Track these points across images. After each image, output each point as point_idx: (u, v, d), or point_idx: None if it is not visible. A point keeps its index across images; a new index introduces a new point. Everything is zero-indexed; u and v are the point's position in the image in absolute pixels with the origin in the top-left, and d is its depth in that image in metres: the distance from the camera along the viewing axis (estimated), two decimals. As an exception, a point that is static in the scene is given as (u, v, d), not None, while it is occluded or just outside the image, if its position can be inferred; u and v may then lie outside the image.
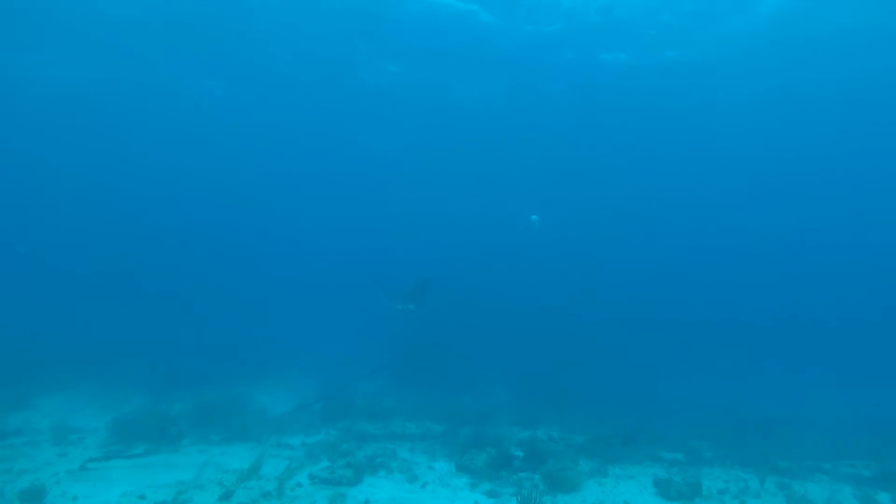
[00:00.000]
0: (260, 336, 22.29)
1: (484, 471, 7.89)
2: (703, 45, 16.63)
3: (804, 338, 30.82)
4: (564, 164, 24.99)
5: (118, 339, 18.50)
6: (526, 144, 23.54)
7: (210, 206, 34.32)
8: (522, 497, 6.69)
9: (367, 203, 33.16)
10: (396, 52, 18.29)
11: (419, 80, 19.82)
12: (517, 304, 23.62)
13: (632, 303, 31.58)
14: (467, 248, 31.96)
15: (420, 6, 15.72)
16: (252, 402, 10.88)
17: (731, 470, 9.15)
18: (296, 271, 40.83)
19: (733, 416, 12.86)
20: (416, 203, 32.32)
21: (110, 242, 35.45)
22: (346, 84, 20.16)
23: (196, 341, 18.87)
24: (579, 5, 15.33)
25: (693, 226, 30.59)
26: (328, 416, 10.92)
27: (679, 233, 31.34)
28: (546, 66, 18.26)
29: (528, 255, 25.81)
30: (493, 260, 27.52)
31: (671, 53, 17.16)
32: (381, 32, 17.08)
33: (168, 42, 17.55)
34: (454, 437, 9.37)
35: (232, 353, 17.19)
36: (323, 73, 19.50)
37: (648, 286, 33.12)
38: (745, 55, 16.76)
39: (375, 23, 16.53)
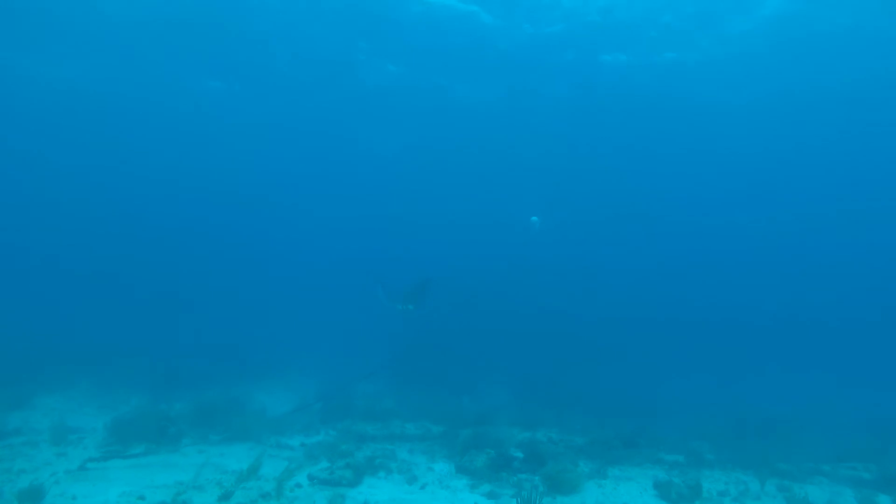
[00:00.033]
0: (259, 336, 22.27)
1: (484, 472, 7.87)
2: (703, 47, 16.63)
3: (804, 339, 30.81)
4: (565, 165, 24.99)
5: (118, 338, 18.48)
6: (526, 145, 23.54)
7: (210, 205, 34.32)
8: (522, 499, 6.67)
9: (367, 203, 33.15)
10: (397, 53, 18.29)
11: (419, 81, 19.81)
12: (517, 305, 23.60)
13: (632, 304, 31.56)
14: (467, 249, 31.96)
15: (420, 7, 15.72)
16: (251, 403, 10.88)
17: (731, 472, 9.15)
18: (295, 271, 40.81)
19: (733, 417, 12.86)
20: (416, 204, 32.30)
21: (110, 242, 35.44)
22: (346, 84, 20.15)
23: (195, 341, 18.86)
24: (580, 6, 15.33)
25: (693, 227, 30.59)
26: (327, 417, 10.92)
27: (679, 234, 31.34)
28: (546, 66, 18.25)
29: (528, 256, 25.79)
30: (494, 261, 27.51)
31: (671, 55, 17.16)
32: (382, 33, 17.07)
33: (168, 42, 17.54)
34: (454, 438, 9.35)
35: (231, 353, 17.17)
36: (323, 73, 19.49)
37: (649, 287, 33.11)
38: (745, 56, 16.75)
39: (376, 23, 16.52)
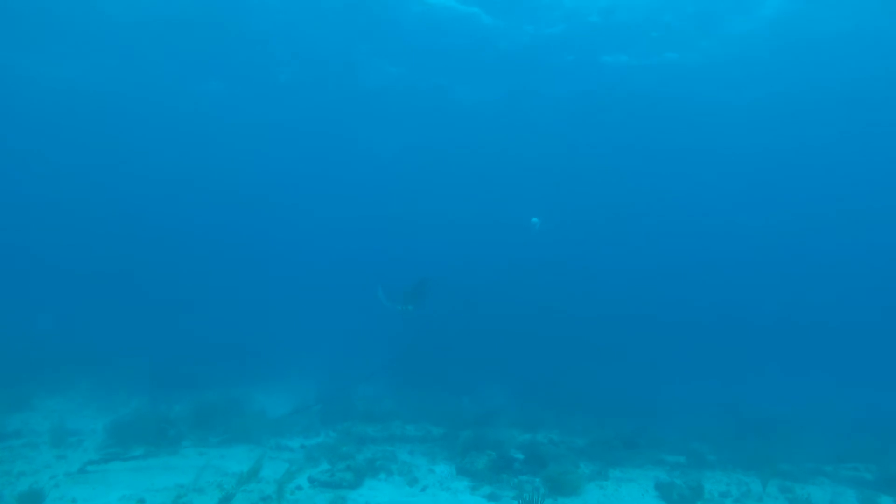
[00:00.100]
0: (259, 337, 22.22)
1: (484, 474, 7.86)
2: (704, 48, 16.62)
3: (805, 339, 30.79)
4: (565, 165, 24.97)
5: (117, 339, 18.45)
6: (526, 146, 23.52)
7: (209, 206, 34.28)
8: (523, 501, 6.65)
9: (367, 204, 33.13)
10: (397, 54, 18.27)
11: (419, 82, 19.80)
12: (518, 307, 23.59)
13: (632, 305, 31.55)
14: (468, 249, 31.95)
15: (420, 7, 15.70)
16: (251, 404, 10.87)
17: (732, 473, 9.13)
18: (295, 272, 40.77)
19: (734, 418, 12.85)
20: (416, 204, 32.29)
21: (110, 242, 35.40)
22: (346, 85, 20.13)
23: (195, 342, 18.82)
24: (580, 7, 15.32)
25: (694, 228, 30.59)
26: (327, 418, 10.89)
27: (680, 235, 31.33)
28: (547, 67, 18.24)
29: (528, 256, 25.78)
30: (494, 262, 27.51)
31: (672, 55, 17.15)
32: (382, 33, 17.06)
33: (168, 42, 17.52)
34: (454, 440, 9.33)
35: (231, 355, 17.14)
36: (323, 73, 19.47)
37: (649, 288, 33.10)
38: (745, 57, 16.74)
39: (376, 24, 16.50)
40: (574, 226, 27.20)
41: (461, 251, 32.17)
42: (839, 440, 10.86)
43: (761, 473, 8.67)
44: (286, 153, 27.33)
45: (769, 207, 27.21)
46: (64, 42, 17.59)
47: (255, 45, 17.84)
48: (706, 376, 19.50)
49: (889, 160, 21.76)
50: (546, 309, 25.05)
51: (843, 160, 22.39)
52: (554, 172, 25.51)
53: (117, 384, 12.45)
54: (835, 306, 32.57)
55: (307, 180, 31.15)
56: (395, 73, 19.37)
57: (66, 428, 8.79)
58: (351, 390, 12.93)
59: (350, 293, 27.05)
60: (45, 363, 13.56)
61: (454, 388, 13.87)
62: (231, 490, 6.53)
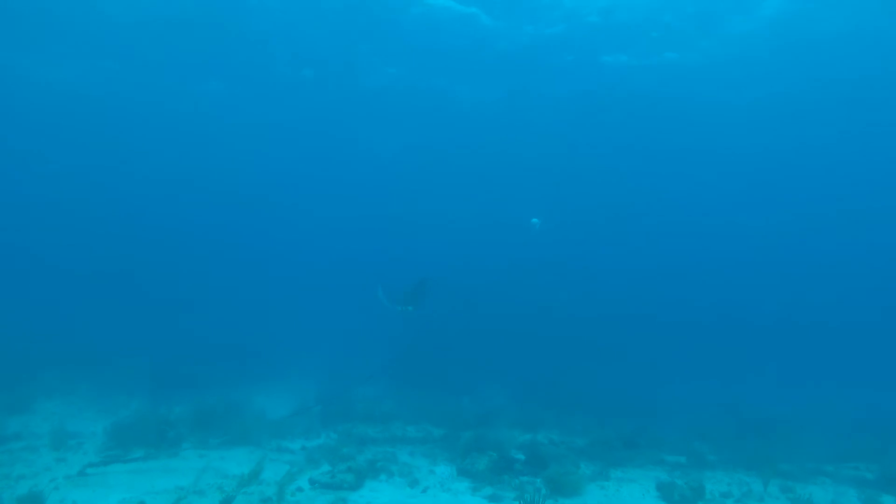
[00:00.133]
0: (259, 338, 22.19)
1: (485, 475, 7.85)
2: (704, 48, 16.61)
3: (805, 339, 30.78)
4: (565, 166, 24.95)
5: (117, 341, 18.41)
6: (526, 146, 23.50)
7: (209, 206, 34.25)
8: (525, 501, 6.65)
9: (367, 204, 33.11)
10: (397, 54, 18.26)
11: (419, 82, 19.79)
12: (518, 307, 23.56)
13: (632, 305, 31.53)
14: (468, 250, 31.89)
15: (420, 8, 15.68)
16: (251, 406, 10.83)
17: (733, 473, 9.13)
18: (295, 273, 40.74)
19: (734, 417, 12.84)
20: (416, 205, 32.27)
21: (110, 243, 35.37)
22: (347, 85, 20.12)
23: (195, 343, 18.79)
24: (580, 7, 15.30)
25: (694, 228, 30.57)
26: (328, 420, 10.88)
27: (680, 235, 31.32)
28: (547, 68, 18.22)
29: (528, 257, 25.75)
30: (494, 262, 27.47)
31: (672, 55, 17.13)
32: (382, 34, 17.04)
33: (168, 43, 17.50)
34: (455, 441, 9.33)
35: (231, 355, 17.11)
36: (323, 73, 19.46)
37: (649, 288, 33.08)
38: (745, 57, 16.73)
39: (376, 24, 16.48)
40: (574, 226, 27.19)
41: (461, 251, 32.11)
42: (840, 440, 10.86)
43: (762, 473, 8.68)
44: (286, 153, 27.31)
45: (769, 207, 27.21)
46: (64, 42, 17.57)
47: (255, 45, 17.82)
48: (706, 376, 19.47)
49: (889, 160, 21.76)
50: (546, 309, 25.02)
51: (842, 160, 22.38)
52: (554, 173, 25.49)
53: (117, 386, 12.43)
54: (835, 306, 32.56)
55: (307, 181, 31.13)
56: (394, 73, 19.36)
57: (65, 430, 8.78)
58: (351, 391, 12.91)
59: (350, 294, 27.03)
60: (46, 365, 13.54)
61: (454, 388, 13.86)
62: (231, 492, 6.52)
